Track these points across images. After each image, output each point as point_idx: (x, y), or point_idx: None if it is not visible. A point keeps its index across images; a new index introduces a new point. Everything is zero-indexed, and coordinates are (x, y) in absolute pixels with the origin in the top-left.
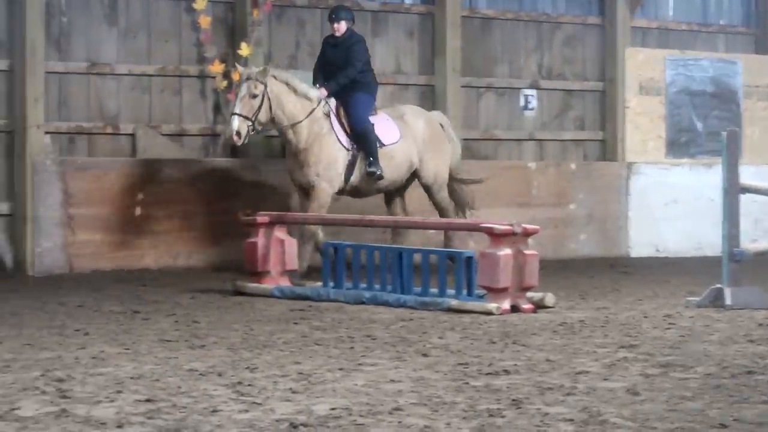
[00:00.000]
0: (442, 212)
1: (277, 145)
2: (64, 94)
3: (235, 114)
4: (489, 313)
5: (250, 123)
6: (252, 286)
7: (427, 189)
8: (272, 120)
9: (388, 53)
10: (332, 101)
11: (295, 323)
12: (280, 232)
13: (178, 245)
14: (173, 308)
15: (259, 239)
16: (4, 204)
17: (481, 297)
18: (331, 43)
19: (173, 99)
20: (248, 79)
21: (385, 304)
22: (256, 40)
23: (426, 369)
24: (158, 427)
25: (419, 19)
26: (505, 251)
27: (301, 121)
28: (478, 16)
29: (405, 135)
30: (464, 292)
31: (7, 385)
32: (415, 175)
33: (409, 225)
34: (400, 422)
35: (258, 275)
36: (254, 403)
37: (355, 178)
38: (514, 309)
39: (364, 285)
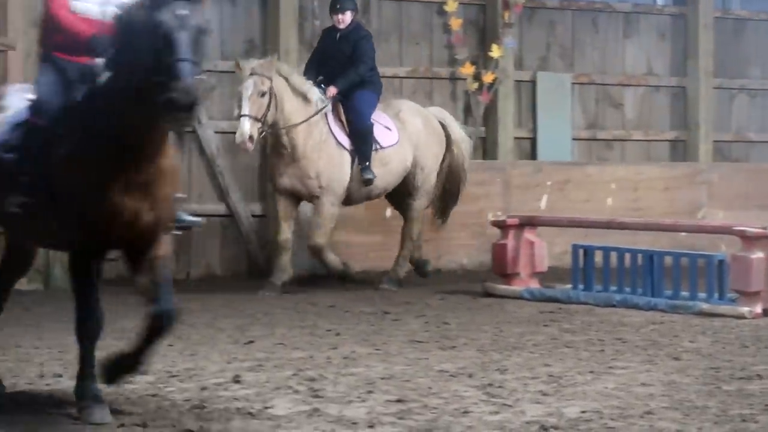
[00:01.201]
0: (408, 223)
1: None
2: None
3: (246, 116)
4: (741, 316)
5: (260, 125)
6: (501, 287)
7: (410, 193)
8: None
9: (639, 54)
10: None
11: (545, 325)
12: (529, 234)
13: (427, 247)
14: (423, 309)
15: (509, 241)
16: (257, 204)
17: (732, 300)
18: (333, 35)
19: (424, 101)
20: (253, 74)
21: (635, 307)
22: (506, 41)
23: (677, 373)
24: (409, 428)
25: (671, 20)
26: (758, 254)
27: (298, 124)
28: (731, 17)
29: (402, 137)
30: (715, 295)
31: (260, 384)
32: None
33: (659, 227)
34: (651, 426)
35: (507, 277)
36: (504, 404)
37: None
38: (767, 313)
39: (614, 288)
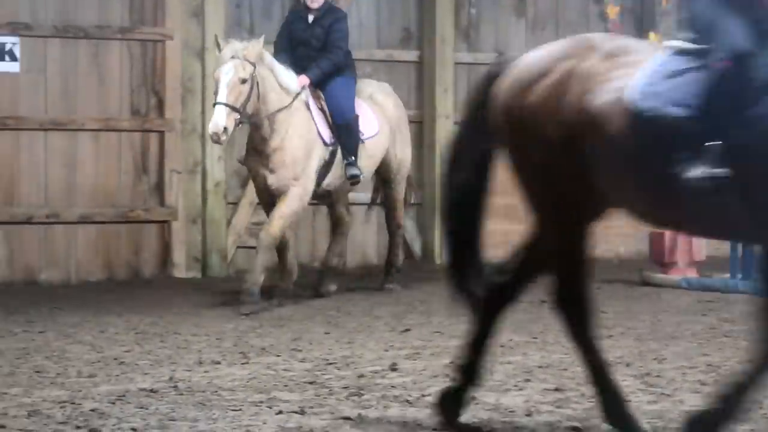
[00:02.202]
0: (391, 207)
1: None
2: (473, 84)
3: (221, 104)
4: None
5: (237, 115)
6: (659, 277)
7: (387, 181)
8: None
9: None
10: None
11: (703, 315)
12: None
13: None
14: None
15: (667, 232)
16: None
17: None
18: (304, 17)
19: None
20: (234, 57)
21: None
22: (665, 30)
23: None
24: (567, 417)
25: None
26: None
27: (277, 112)
28: None
29: (381, 123)
30: None
31: (417, 372)
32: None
33: None
34: None
35: (665, 266)
36: (663, 394)
37: (330, 180)
38: None
39: None
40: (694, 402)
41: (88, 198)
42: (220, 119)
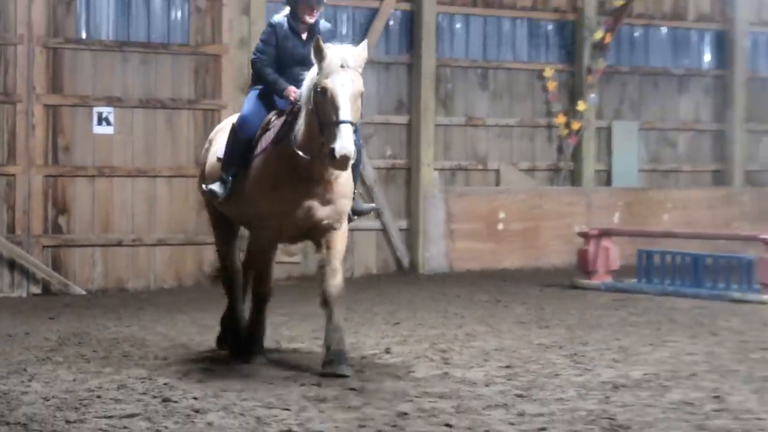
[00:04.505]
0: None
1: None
2: (448, 140)
3: (347, 122)
4: (764, 303)
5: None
6: (584, 282)
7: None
8: None
9: (689, 106)
10: None
11: (616, 309)
12: (605, 242)
13: (530, 251)
14: (525, 298)
15: (590, 247)
16: (403, 221)
17: (758, 291)
18: (296, 32)
19: (528, 143)
20: (344, 66)
21: (684, 296)
22: (589, 98)
23: (715, 345)
24: (515, 386)
25: (713, 80)
26: None
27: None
28: (759, 77)
29: None
30: (745, 287)
31: (405, 354)
32: None
33: (703, 236)
34: (695, 385)
35: (589, 273)
36: (586, 369)
37: None
38: None
39: (668, 281)
40: (609, 375)
41: (164, 226)
42: (350, 142)
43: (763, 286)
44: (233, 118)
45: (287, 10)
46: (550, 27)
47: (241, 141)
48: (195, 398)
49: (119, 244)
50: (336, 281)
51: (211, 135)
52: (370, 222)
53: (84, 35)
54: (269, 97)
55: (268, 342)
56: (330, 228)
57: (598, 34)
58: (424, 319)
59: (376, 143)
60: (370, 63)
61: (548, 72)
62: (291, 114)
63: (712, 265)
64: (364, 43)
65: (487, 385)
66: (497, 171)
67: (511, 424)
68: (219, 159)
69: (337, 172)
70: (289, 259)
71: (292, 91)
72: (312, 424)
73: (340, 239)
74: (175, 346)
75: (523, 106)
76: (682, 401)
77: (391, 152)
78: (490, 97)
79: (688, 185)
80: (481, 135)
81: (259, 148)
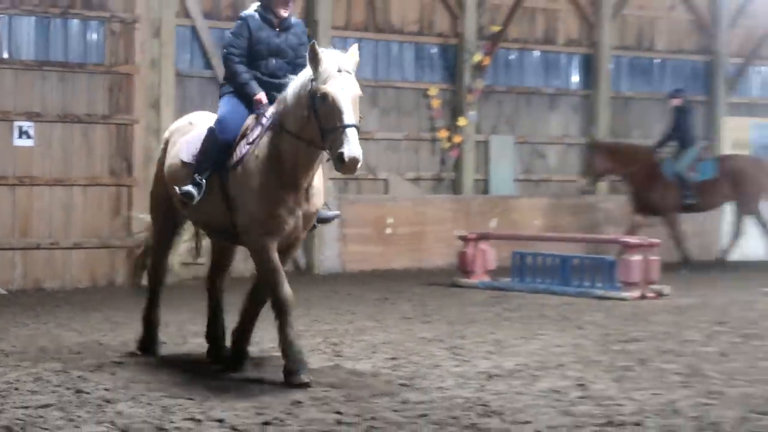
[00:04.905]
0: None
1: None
2: None
3: (354, 126)
4: (624, 299)
5: None
6: (463, 281)
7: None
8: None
9: (559, 122)
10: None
11: (492, 306)
12: (483, 245)
13: (415, 254)
14: (411, 296)
15: (469, 249)
16: None
17: (618, 288)
18: (270, 24)
19: (414, 156)
20: (341, 71)
21: (553, 293)
22: (469, 115)
23: (581, 338)
24: (399, 376)
25: (580, 99)
26: (636, 257)
27: None
28: (621, 96)
29: None
30: (607, 285)
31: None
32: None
33: (570, 239)
34: (562, 374)
35: (467, 273)
36: (464, 360)
37: None
38: (642, 297)
39: (539, 280)
40: (485, 365)
41: (80, 231)
42: (357, 145)
43: (623, 284)
44: (191, 118)
45: (256, 5)
46: (434, 50)
47: (219, 144)
48: (106, 389)
49: (38, 247)
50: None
51: (166, 135)
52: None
53: (6, 55)
54: (248, 98)
55: (175, 338)
56: (299, 235)
57: (477, 57)
58: (318, 315)
59: None
60: None
61: (432, 91)
62: (267, 126)
63: (579, 266)
64: (355, 47)
65: (374, 376)
66: (386, 180)
67: (396, 411)
68: (184, 161)
69: (311, 181)
70: (195, 261)
71: (262, 100)
72: (214, 412)
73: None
74: (88, 342)
75: (409, 122)
76: (550, 389)
77: None
78: (380, 113)
79: (557, 194)
80: (372, 148)
81: (238, 154)
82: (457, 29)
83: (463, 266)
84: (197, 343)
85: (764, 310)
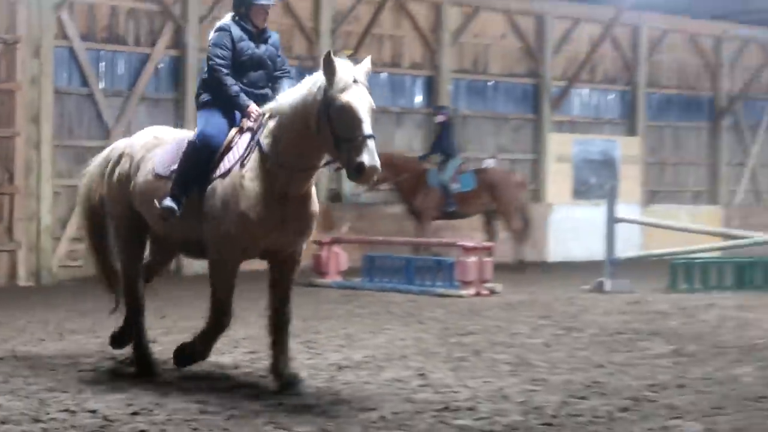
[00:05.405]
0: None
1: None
2: None
3: (373, 137)
4: (461, 296)
5: None
6: (318, 280)
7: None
8: None
9: (404, 138)
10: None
11: (344, 303)
12: (336, 248)
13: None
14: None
15: (324, 252)
16: None
17: (457, 287)
18: (250, 35)
19: None
20: (356, 81)
21: (399, 291)
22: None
23: (422, 332)
24: (257, 369)
25: (424, 117)
26: (472, 259)
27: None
28: (459, 115)
29: None
30: (447, 283)
31: (168, 343)
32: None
33: (414, 243)
34: (405, 365)
35: (322, 273)
36: (316, 353)
37: None
38: (477, 294)
39: (386, 279)
40: (336, 357)
41: None
42: (376, 155)
43: (461, 282)
44: (153, 132)
45: (230, 15)
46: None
47: (201, 158)
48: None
49: None
50: (289, 312)
51: (123, 150)
52: None
53: None
54: (231, 112)
55: (53, 335)
56: (296, 249)
57: None
58: (186, 313)
59: None
60: (144, 99)
61: None
62: (255, 132)
63: (422, 266)
64: (368, 59)
65: (235, 368)
66: None
67: (254, 400)
68: (160, 174)
69: (308, 185)
70: (73, 263)
71: (254, 111)
72: (87, 404)
73: (298, 266)
74: None
75: None
76: (394, 378)
77: None
78: None
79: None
80: None
81: (222, 168)
82: (313, 53)
83: (318, 267)
84: (74, 340)
85: (583, 305)
